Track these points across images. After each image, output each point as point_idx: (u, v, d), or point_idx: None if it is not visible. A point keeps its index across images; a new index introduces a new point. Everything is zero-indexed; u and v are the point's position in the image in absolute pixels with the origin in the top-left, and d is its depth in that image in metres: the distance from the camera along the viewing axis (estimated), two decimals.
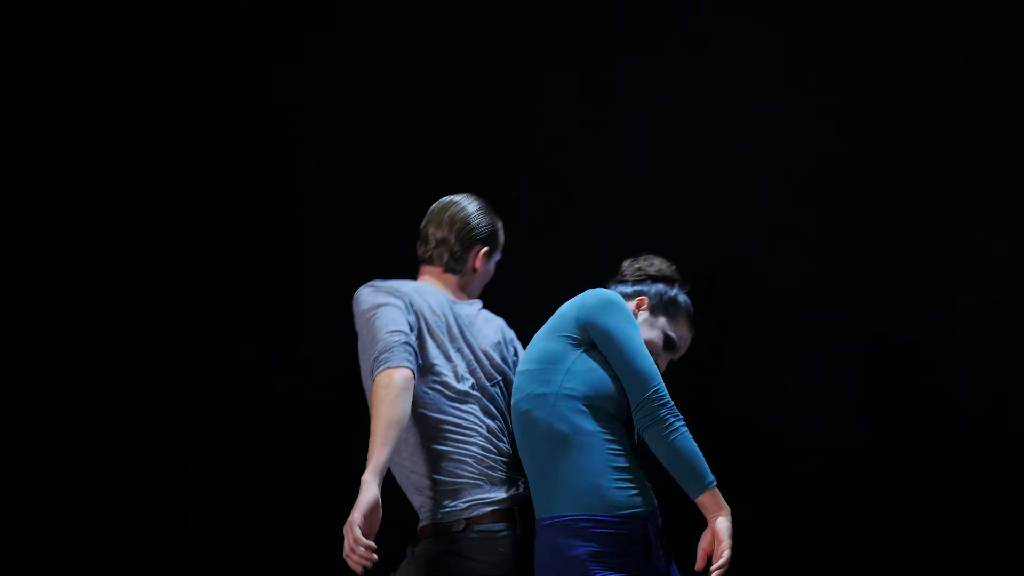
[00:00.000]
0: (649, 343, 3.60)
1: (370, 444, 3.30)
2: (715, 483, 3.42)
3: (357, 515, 3.24)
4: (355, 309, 3.57)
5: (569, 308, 3.55)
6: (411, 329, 3.48)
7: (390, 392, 3.33)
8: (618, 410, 3.45)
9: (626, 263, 3.84)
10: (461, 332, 3.63)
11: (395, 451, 3.35)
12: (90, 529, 4.82)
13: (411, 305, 3.54)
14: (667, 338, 3.67)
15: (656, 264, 3.81)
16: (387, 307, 3.48)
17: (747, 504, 3.68)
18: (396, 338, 3.41)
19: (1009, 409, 4.30)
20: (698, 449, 3.41)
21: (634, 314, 3.64)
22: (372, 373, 3.39)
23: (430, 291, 3.68)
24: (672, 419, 3.40)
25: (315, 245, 4.82)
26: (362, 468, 3.70)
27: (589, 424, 3.41)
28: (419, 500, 3.51)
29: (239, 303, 4.84)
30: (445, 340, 3.59)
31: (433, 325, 3.58)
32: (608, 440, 3.41)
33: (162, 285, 4.85)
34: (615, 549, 3.33)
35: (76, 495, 4.83)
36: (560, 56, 4.67)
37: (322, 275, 4.78)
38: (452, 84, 4.73)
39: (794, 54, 4.50)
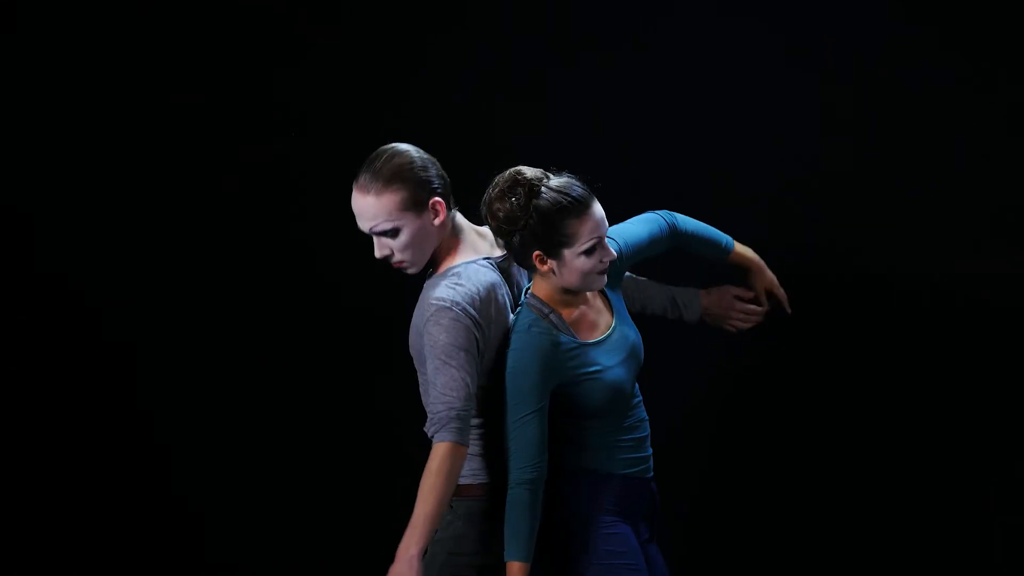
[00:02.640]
0: (581, 275, 3.37)
1: (420, 515, 3.24)
2: (521, 562, 3.29)
3: None
4: (435, 325, 3.31)
5: None
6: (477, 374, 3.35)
7: (453, 473, 3.26)
8: None
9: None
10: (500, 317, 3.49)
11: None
12: (88, 519, 4.83)
13: (487, 339, 3.36)
14: (582, 258, 3.35)
15: (495, 206, 3.35)
16: (469, 356, 3.29)
17: None
18: (467, 408, 3.28)
19: None
20: (532, 519, 3.29)
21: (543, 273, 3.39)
22: (436, 427, 3.27)
23: (503, 296, 3.47)
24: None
25: (313, 244, 4.83)
26: (361, 469, 3.75)
27: None
28: (478, 461, 3.43)
29: (239, 303, 4.86)
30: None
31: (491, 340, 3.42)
32: None
33: (160, 285, 4.86)
34: None
35: (75, 486, 4.84)
36: (558, 55, 4.67)
37: (322, 276, 4.80)
38: (446, 83, 4.74)
39: (794, 54, 4.52)
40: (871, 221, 4.50)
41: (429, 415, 3.31)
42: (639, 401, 3.49)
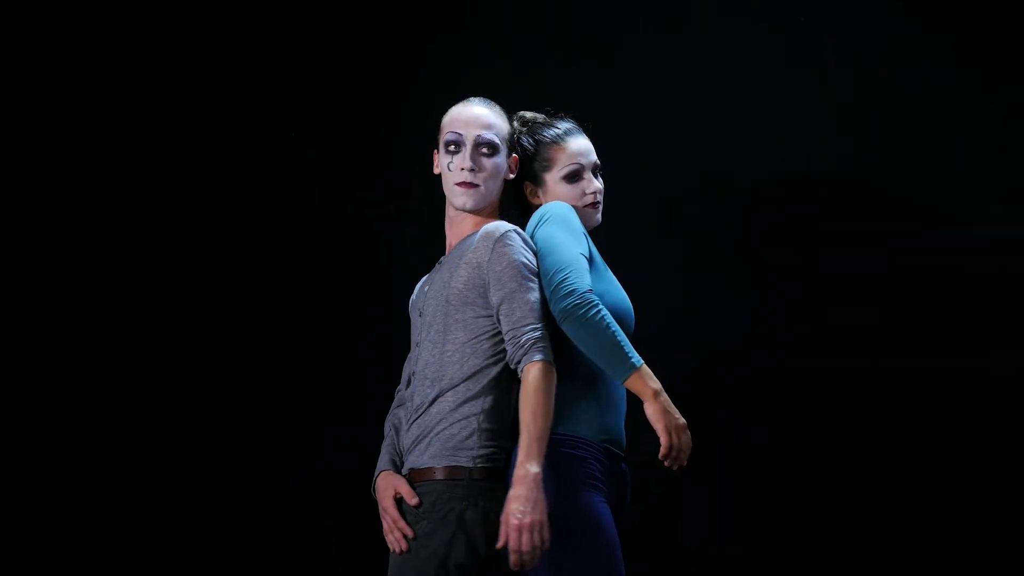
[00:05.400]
0: (566, 197, 3.52)
1: (533, 435, 3.21)
2: (640, 364, 3.24)
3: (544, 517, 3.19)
4: (505, 246, 3.34)
5: None
6: None
7: (552, 390, 3.27)
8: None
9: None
10: None
11: None
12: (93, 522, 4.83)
13: None
14: (563, 184, 3.54)
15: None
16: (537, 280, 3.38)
17: None
18: (547, 328, 3.33)
19: None
20: (620, 332, 3.24)
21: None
22: (525, 350, 3.27)
23: None
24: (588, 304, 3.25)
25: (314, 244, 4.84)
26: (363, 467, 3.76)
27: None
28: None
29: (242, 303, 4.86)
30: None
31: None
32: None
33: (163, 286, 4.87)
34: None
35: (80, 489, 4.85)
36: (558, 55, 4.68)
37: (329, 280, 4.81)
38: (446, 83, 4.74)
39: (794, 54, 4.53)
40: (870, 220, 4.50)
41: (513, 339, 3.30)
42: None
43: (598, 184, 3.56)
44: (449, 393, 3.35)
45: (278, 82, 4.83)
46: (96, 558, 4.81)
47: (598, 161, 3.59)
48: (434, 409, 3.37)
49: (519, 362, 3.29)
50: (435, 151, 3.56)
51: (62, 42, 4.84)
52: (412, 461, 3.39)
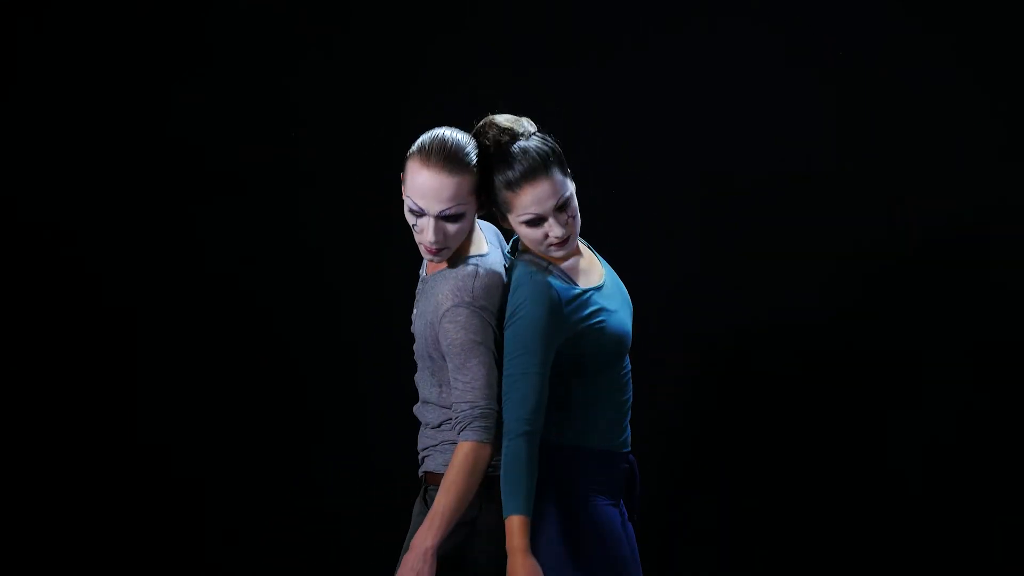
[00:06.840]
0: (532, 243, 3.27)
1: (437, 509, 3.20)
2: (520, 515, 3.16)
3: None
4: (450, 323, 3.26)
5: None
6: None
7: (475, 471, 3.23)
8: None
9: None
10: None
11: None
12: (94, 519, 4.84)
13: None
14: (524, 228, 3.27)
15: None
16: (488, 351, 3.26)
17: None
18: (491, 405, 3.25)
19: None
20: (530, 473, 3.17)
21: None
22: (461, 426, 3.23)
23: None
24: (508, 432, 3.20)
25: (315, 246, 4.84)
26: (367, 471, 3.76)
27: None
28: None
29: (240, 303, 4.86)
30: None
31: None
32: None
33: (165, 286, 4.87)
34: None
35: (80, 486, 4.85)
36: (558, 55, 4.68)
37: (329, 280, 4.81)
38: (446, 83, 4.74)
39: (794, 54, 4.53)
40: (870, 220, 4.50)
41: (453, 414, 3.26)
42: (629, 371, 3.39)
43: (559, 231, 3.24)
44: None
45: (278, 82, 4.83)
46: (96, 558, 4.81)
47: (563, 197, 3.24)
48: (447, 425, 3.37)
49: (457, 436, 3.25)
50: (402, 174, 3.31)
51: (62, 42, 4.84)
52: (428, 465, 3.38)
